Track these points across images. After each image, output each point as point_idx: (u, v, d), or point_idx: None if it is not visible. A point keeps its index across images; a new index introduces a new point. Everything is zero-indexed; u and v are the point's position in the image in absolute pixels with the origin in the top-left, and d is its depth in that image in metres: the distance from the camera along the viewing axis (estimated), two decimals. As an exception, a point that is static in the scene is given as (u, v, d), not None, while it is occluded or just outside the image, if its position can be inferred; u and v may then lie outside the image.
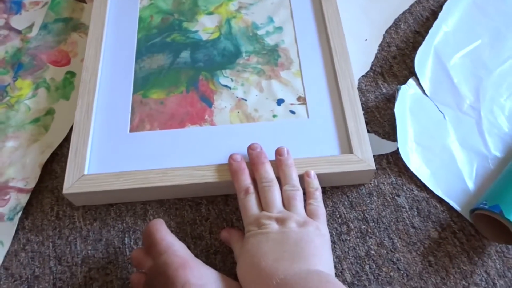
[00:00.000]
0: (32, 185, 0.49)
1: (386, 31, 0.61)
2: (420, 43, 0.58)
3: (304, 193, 0.44)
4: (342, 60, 0.53)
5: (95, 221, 0.48)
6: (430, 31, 0.58)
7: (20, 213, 0.48)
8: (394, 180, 0.49)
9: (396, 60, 0.58)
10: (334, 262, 0.44)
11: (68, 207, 0.49)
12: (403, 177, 0.49)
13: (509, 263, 0.44)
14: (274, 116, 0.51)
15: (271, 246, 0.38)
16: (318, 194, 0.44)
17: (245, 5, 0.60)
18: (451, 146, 0.51)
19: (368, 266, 0.44)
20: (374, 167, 0.46)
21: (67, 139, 0.53)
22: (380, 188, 0.49)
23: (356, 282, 0.44)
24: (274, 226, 0.40)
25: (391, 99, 0.55)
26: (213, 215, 0.48)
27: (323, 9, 0.57)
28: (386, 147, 0.51)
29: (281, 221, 0.40)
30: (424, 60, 0.56)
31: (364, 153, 0.46)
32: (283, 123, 0.50)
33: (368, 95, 0.55)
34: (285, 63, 0.55)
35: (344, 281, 0.44)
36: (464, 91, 0.54)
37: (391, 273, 0.44)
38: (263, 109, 0.51)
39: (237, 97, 0.53)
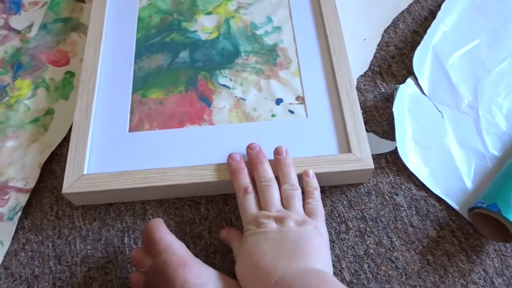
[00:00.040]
0: (31, 185, 0.50)
1: (385, 31, 0.61)
2: (418, 43, 0.58)
3: (303, 193, 0.44)
4: (341, 59, 0.53)
5: (95, 220, 0.48)
6: (429, 31, 0.59)
7: (19, 213, 0.48)
8: (392, 179, 0.49)
9: (394, 60, 0.58)
10: (333, 261, 0.45)
11: (67, 206, 0.49)
12: (402, 176, 0.49)
13: (507, 262, 0.44)
14: (273, 115, 0.51)
15: (270, 245, 0.38)
16: (317, 193, 0.44)
17: (243, 5, 0.60)
18: (450, 145, 0.51)
19: (367, 265, 0.45)
20: (373, 166, 0.46)
21: (66, 139, 0.53)
22: (379, 187, 0.49)
23: (355, 281, 0.44)
24: (272, 225, 0.40)
25: (389, 99, 0.55)
26: (212, 214, 0.48)
27: (322, 8, 0.57)
28: (385, 146, 0.51)
29: (279, 220, 0.40)
30: (423, 59, 0.57)
31: (362, 152, 0.46)
32: (282, 123, 0.50)
33: (366, 94, 0.56)
34: (283, 63, 0.55)
35: (343, 280, 0.44)
36: (463, 90, 0.54)
37: (390, 272, 0.44)
38: (262, 108, 0.52)
39: (236, 96, 0.53)
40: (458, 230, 0.46)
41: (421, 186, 0.49)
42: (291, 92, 0.52)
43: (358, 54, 0.58)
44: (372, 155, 0.47)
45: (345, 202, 0.48)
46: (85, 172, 0.47)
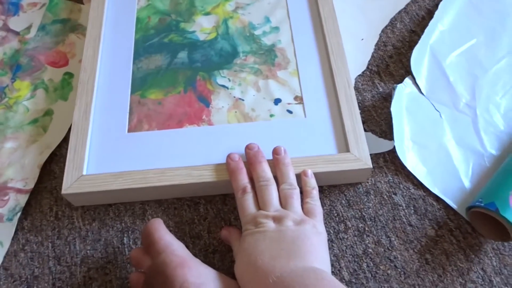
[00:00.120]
0: (31, 185, 0.50)
1: (382, 31, 0.61)
2: (416, 42, 0.58)
3: (302, 192, 0.44)
4: (339, 59, 0.53)
5: (94, 221, 0.48)
6: (426, 30, 0.59)
7: (19, 214, 0.48)
8: (391, 178, 0.50)
9: (392, 59, 0.58)
10: (332, 260, 0.45)
11: (67, 207, 0.49)
12: (400, 175, 0.50)
13: (505, 260, 0.44)
14: (271, 115, 0.51)
15: (268, 244, 0.39)
16: (315, 193, 0.44)
17: (241, 5, 0.60)
18: (447, 144, 0.51)
19: (365, 264, 0.45)
20: (371, 166, 0.46)
21: (65, 140, 0.53)
22: (377, 187, 0.49)
23: (353, 280, 0.44)
24: (271, 224, 0.40)
25: (387, 98, 0.55)
26: (211, 214, 0.48)
27: (320, 8, 0.57)
28: (383, 145, 0.51)
29: (278, 219, 0.40)
30: (420, 59, 0.57)
31: (361, 152, 0.47)
32: (280, 123, 0.50)
33: (364, 94, 0.56)
34: (282, 63, 0.55)
35: (341, 279, 0.44)
36: (460, 89, 0.55)
37: (389, 271, 0.44)
38: (260, 108, 0.52)
39: (234, 97, 0.53)
40: (456, 229, 0.46)
41: (419, 185, 0.49)
42: (290, 92, 0.53)
43: (356, 54, 0.59)
44: (370, 154, 0.47)
45: (343, 202, 0.48)
46: (84, 172, 0.47)
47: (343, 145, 0.48)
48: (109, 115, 0.51)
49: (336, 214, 0.48)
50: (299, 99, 0.52)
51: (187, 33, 0.58)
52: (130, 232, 0.47)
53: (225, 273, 0.40)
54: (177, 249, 0.40)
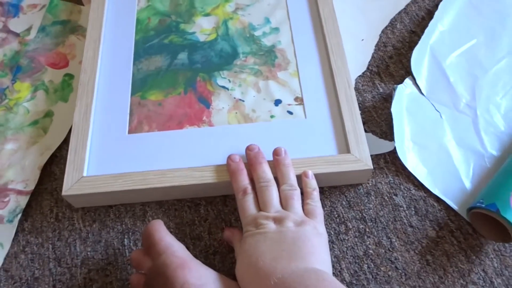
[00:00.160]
0: (31, 187, 0.50)
1: (382, 31, 0.61)
2: (416, 43, 0.58)
3: (302, 193, 0.44)
4: (339, 60, 0.53)
5: (95, 222, 0.48)
6: (426, 31, 0.59)
7: (19, 215, 0.48)
8: (391, 179, 0.50)
9: (392, 60, 0.58)
10: (333, 261, 0.45)
11: (67, 208, 0.49)
12: (401, 176, 0.50)
13: (506, 262, 0.44)
14: (272, 116, 0.51)
15: (269, 246, 0.39)
16: (316, 194, 0.44)
17: (241, 6, 0.60)
18: (448, 145, 0.51)
19: (366, 265, 0.45)
20: (372, 167, 0.46)
21: (66, 141, 0.53)
22: (378, 188, 0.49)
23: (354, 282, 0.44)
24: (271, 225, 0.40)
25: (388, 99, 0.55)
26: (212, 215, 0.48)
27: (320, 9, 0.57)
28: (383, 146, 0.51)
29: (278, 220, 0.40)
30: (420, 59, 0.57)
31: (361, 153, 0.47)
32: (281, 124, 0.50)
33: (365, 95, 0.56)
34: (282, 64, 0.55)
35: (342, 280, 0.44)
36: (460, 90, 0.55)
37: (389, 272, 0.44)
38: (261, 109, 0.52)
39: (234, 98, 0.53)
40: (457, 230, 0.46)
41: (420, 186, 0.49)
42: (290, 93, 0.53)
43: (356, 55, 0.59)
44: (371, 155, 0.47)
45: (344, 203, 0.48)
46: (84, 174, 0.47)
47: (344, 146, 0.48)
48: (109, 116, 0.51)
49: (336, 215, 0.48)
50: (299, 100, 0.52)
51: (187, 34, 0.58)
52: (130, 233, 0.47)
53: (225, 274, 0.40)
54: (177, 251, 0.40)
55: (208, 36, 0.58)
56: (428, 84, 0.55)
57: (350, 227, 0.47)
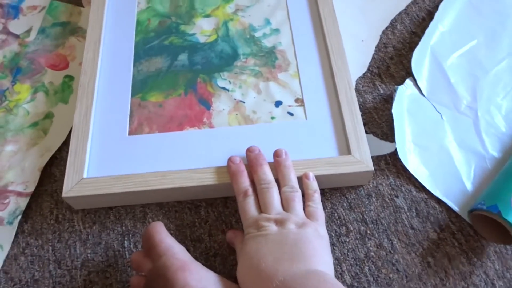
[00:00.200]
0: (31, 188, 0.50)
1: (383, 32, 0.61)
2: (416, 44, 0.58)
3: (303, 195, 0.44)
4: (339, 61, 0.53)
5: (95, 224, 0.48)
6: (427, 32, 0.59)
7: (19, 217, 0.48)
8: (392, 181, 0.49)
9: (393, 61, 0.58)
10: (334, 264, 0.44)
11: (67, 210, 0.49)
12: (402, 178, 0.49)
13: (507, 264, 0.44)
14: (272, 118, 0.51)
15: (270, 248, 0.38)
16: (317, 196, 0.44)
17: (242, 8, 0.60)
18: (449, 146, 0.51)
19: (367, 267, 0.44)
20: (373, 168, 0.46)
21: (66, 143, 0.53)
22: (379, 189, 0.49)
23: (355, 284, 0.44)
24: (273, 227, 0.40)
25: (388, 100, 0.55)
26: (212, 217, 0.48)
27: (320, 10, 0.57)
28: (384, 148, 0.51)
29: (279, 222, 0.40)
30: (421, 60, 0.57)
31: (362, 154, 0.46)
32: (281, 125, 0.50)
33: (365, 96, 0.56)
34: (282, 65, 0.55)
35: (343, 282, 0.44)
36: (461, 91, 0.54)
37: (391, 275, 0.44)
38: (261, 111, 0.52)
39: (235, 99, 0.53)
40: (458, 232, 0.46)
41: (421, 188, 0.49)
42: (290, 94, 0.52)
43: (356, 56, 0.58)
44: (372, 157, 0.47)
45: (345, 205, 0.48)
46: (84, 175, 0.47)
47: (344, 148, 0.48)
48: (109, 118, 0.51)
49: (337, 217, 0.47)
50: (300, 101, 0.52)
51: (187, 36, 0.58)
52: (130, 235, 0.47)
53: (226, 276, 0.40)
54: (178, 253, 0.39)
55: (208, 37, 0.58)
56: (429, 85, 0.55)
57: (351, 229, 0.47)
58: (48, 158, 0.52)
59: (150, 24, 0.59)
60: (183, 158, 0.48)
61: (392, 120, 0.51)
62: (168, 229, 0.43)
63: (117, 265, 0.46)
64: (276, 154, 0.46)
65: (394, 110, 0.52)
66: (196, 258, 0.41)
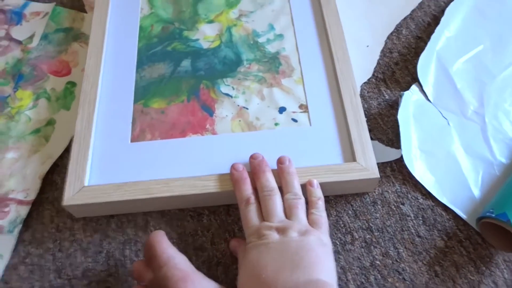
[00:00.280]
0: (32, 197, 0.49)
1: (388, 37, 0.60)
2: (422, 49, 0.57)
3: (307, 202, 0.43)
4: (344, 66, 0.52)
5: (96, 233, 0.47)
6: (432, 37, 0.58)
7: (20, 226, 0.47)
8: (398, 188, 0.49)
9: (398, 66, 0.58)
10: (339, 272, 0.44)
11: (68, 218, 0.48)
12: (408, 185, 0.49)
13: (517, 272, 0.43)
14: (276, 124, 0.50)
15: (272, 257, 0.38)
16: (321, 203, 0.43)
17: (245, 13, 0.60)
18: (456, 152, 0.50)
19: (373, 276, 0.44)
20: (378, 175, 0.45)
21: (68, 150, 0.52)
22: (385, 197, 0.48)
23: (361, 293, 0.43)
24: (274, 236, 0.39)
25: (394, 106, 0.54)
26: (215, 225, 0.47)
27: (324, 15, 0.57)
28: (390, 154, 0.50)
29: (281, 230, 0.40)
30: (427, 65, 0.56)
31: (367, 161, 0.46)
32: (285, 132, 0.49)
33: (370, 102, 0.55)
34: (286, 71, 0.54)
35: (349, 292, 0.43)
36: (468, 96, 0.54)
37: (397, 284, 0.43)
38: (265, 117, 0.51)
39: (238, 105, 0.52)
40: (466, 240, 0.45)
41: (427, 195, 0.48)
42: (294, 101, 0.52)
43: (361, 61, 0.58)
44: (377, 163, 0.46)
45: (350, 212, 0.47)
46: (86, 183, 0.46)
47: (349, 154, 0.47)
48: (111, 124, 0.51)
49: (342, 225, 0.46)
50: (304, 108, 0.51)
51: (190, 41, 0.58)
52: (132, 244, 0.46)
53: (229, 286, 0.39)
54: (179, 263, 0.39)
55: (211, 43, 0.57)
56: (435, 90, 0.54)
57: (356, 237, 0.46)
58: (50, 166, 0.51)
59: (153, 30, 0.59)
60: (186, 165, 0.47)
61: (398, 126, 0.51)
62: (170, 238, 0.42)
63: (118, 274, 0.45)
64: (280, 161, 0.45)
65: (400, 116, 0.51)
66: (198, 267, 0.40)
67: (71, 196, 0.45)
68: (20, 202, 0.49)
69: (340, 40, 0.54)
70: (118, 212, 0.48)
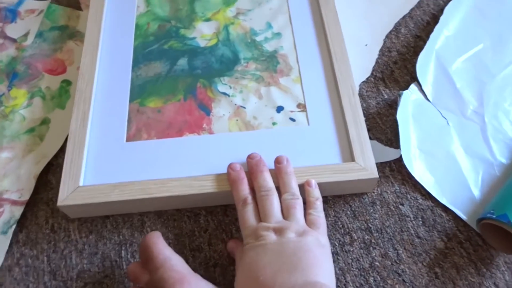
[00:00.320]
0: (26, 197, 0.48)
1: (387, 36, 0.60)
2: (421, 48, 0.57)
3: (305, 203, 0.43)
4: (342, 65, 0.52)
5: (91, 233, 0.47)
6: (431, 36, 0.57)
7: (14, 226, 0.47)
8: (397, 188, 0.48)
9: (397, 65, 0.57)
10: (337, 274, 0.43)
11: (63, 219, 0.48)
12: (407, 185, 0.48)
13: (517, 274, 0.43)
14: (274, 123, 0.50)
15: (269, 259, 0.37)
16: (319, 204, 0.43)
17: (243, 11, 0.59)
18: (455, 152, 0.49)
19: (372, 278, 0.43)
20: (377, 175, 0.44)
21: (62, 149, 0.52)
22: (384, 197, 0.47)
23: (360, 295, 0.42)
24: (271, 237, 0.39)
25: (393, 105, 0.54)
26: (212, 226, 0.47)
27: (322, 14, 0.56)
28: (389, 154, 0.50)
29: (279, 231, 0.39)
30: (426, 65, 0.55)
31: (366, 161, 0.45)
32: (283, 131, 0.49)
33: (369, 101, 0.54)
34: (284, 70, 0.54)
35: (347, 293, 0.42)
36: (467, 96, 0.53)
37: (397, 286, 0.43)
38: (262, 116, 0.50)
39: (235, 104, 0.51)
40: (466, 241, 0.45)
41: (427, 195, 0.47)
42: (292, 100, 0.51)
43: (360, 60, 0.57)
44: (376, 163, 0.46)
45: (349, 213, 0.47)
46: (81, 183, 0.45)
47: (348, 154, 0.46)
48: (107, 123, 0.50)
49: (341, 226, 0.46)
50: (302, 107, 0.51)
51: (187, 40, 0.57)
52: (128, 245, 0.46)
53: (226, 288, 0.39)
54: (176, 264, 0.38)
55: (208, 41, 0.57)
56: (434, 90, 0.54)
57: (355, 238, 0.45)
58: (44, 165, 0.50)
59: (149, 28, 0.58)
60: (182, 165, 0.47)
61: (397, 125, 0.50)
62: (167, 238, 0.42)
63: (114, 276, 0.44)
64: (277, 161, 0.45)
65: (399, 116, 0.51)
66: (195, 268, 0.40)
67: (65, 196, 0.44)
68: (14, 203, 0.48)
69: (339, 39, 0.54)
70: (114, 213, 0.47)
